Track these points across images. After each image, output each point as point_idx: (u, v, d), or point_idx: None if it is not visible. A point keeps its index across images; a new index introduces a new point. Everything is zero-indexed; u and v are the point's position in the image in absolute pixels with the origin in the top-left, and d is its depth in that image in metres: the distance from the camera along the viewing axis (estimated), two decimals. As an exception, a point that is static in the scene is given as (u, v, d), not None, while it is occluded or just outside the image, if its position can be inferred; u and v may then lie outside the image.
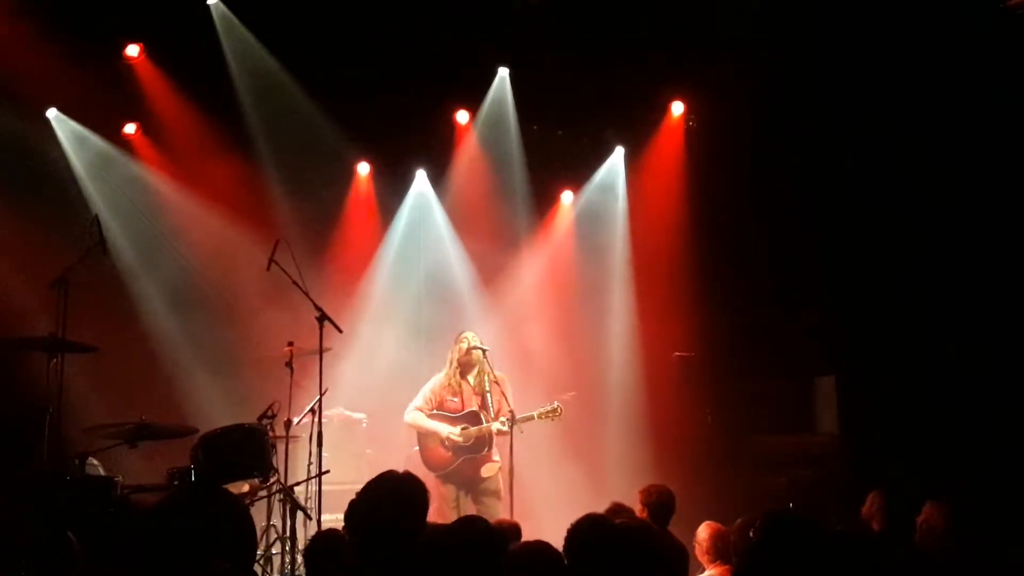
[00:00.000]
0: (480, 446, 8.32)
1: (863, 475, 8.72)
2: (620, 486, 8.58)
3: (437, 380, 8.59)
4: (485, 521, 3.80)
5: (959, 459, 8.51)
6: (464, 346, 8.46)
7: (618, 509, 6.02)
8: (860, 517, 6.49)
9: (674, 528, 6.47)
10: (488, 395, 8.39)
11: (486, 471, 8.39)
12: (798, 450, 9.85)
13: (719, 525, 6.28)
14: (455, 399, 8.47)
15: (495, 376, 8.32)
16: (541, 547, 3.86)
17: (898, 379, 9.35)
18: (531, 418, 8.17)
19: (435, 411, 8.46)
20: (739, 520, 5.89)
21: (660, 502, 6.38)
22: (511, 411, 8.04)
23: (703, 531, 6.28)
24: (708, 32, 9.09)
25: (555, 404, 8.26)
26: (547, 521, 7.07)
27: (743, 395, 10.17)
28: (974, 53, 8.76)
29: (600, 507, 6.10)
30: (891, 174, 9.44)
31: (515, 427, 7.95)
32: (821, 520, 5.95)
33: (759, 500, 8.64)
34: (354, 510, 3.92)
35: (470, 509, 8.32)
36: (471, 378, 8.52)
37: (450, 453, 8.34)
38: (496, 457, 8.41)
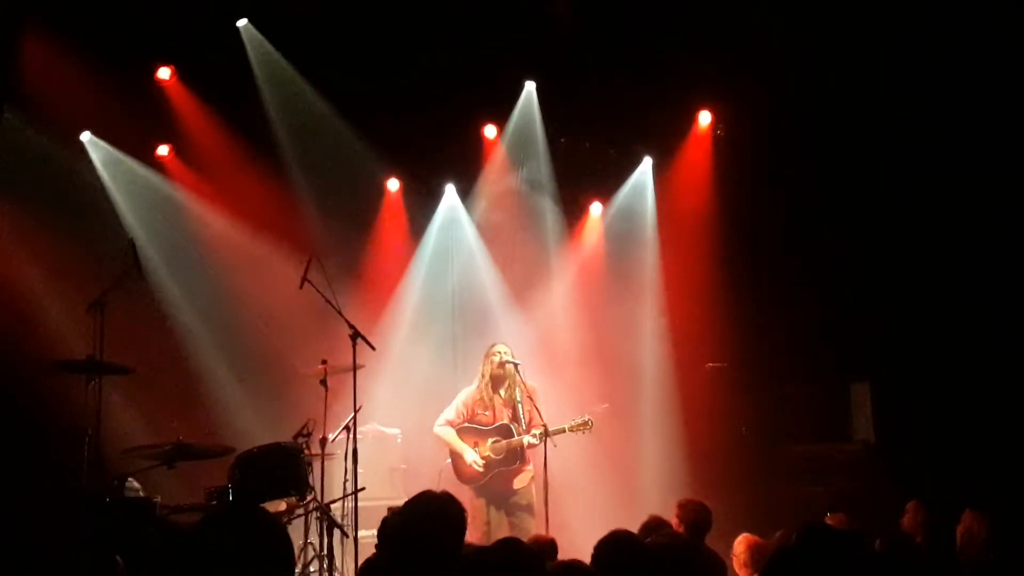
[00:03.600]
0: (512, 459, 8.34)
1: (899, 482, 8.65)
2: (655, 497, 8.58)
3: (468, 392, 8.62)
4: (522, 543, 3.81)
5: (997, 465, 8.43)
6: (496, 359, 8.47)
7: (655, 523, 6.01)
8: (900, 528, 6.43)
9: (711, 539, 6.44)
10: (519, 406, 8.38)
11: (518, 482, 8.41)
12: (834, 458, 9.78)
13: (756, 537, 6.26)
14: (486, 412, 8.50)
15: (526, 387, 8.33)
16: (578, 566, 3.86)
17: (933, 384, 9.27)
18: (562, 431, 8.17)
19: (466, 424, 8.49)
20: (778, 533, 5.88)
21: (696, 518, 6.37)
22: (544, 425, 8.05)
23: (740, 544, 6.26)
24: (735, 41, 9.08)
25: (586, 417, 8.25)
26: (583, 535, 7.03)
27: (777, 404, 10.11)
28: (1005, 60, 8.70)
29: (636, 519, 6.11)
30: (923, 178, 9.38)
31: (548, 440, 7.96)
32: (860, 531, 5.94)
33: (795, 510, 8.59)
34: (392, 529, 3.93)
35: (503, 522, 8.36)
36: (502, 391, 8.53)
37: (482, 468, 8.37)
38: (529, 467, 8.41)
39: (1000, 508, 6.34)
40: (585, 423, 8.21)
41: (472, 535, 8.09)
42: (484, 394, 8.53)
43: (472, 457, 8.34)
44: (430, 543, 3.80)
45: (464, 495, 8.26)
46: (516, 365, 8.35)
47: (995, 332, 9.04)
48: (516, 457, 8.34)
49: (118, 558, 4.61)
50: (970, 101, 8.95)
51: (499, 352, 8.49)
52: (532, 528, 8.06)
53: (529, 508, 8.34)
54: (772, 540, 6.04)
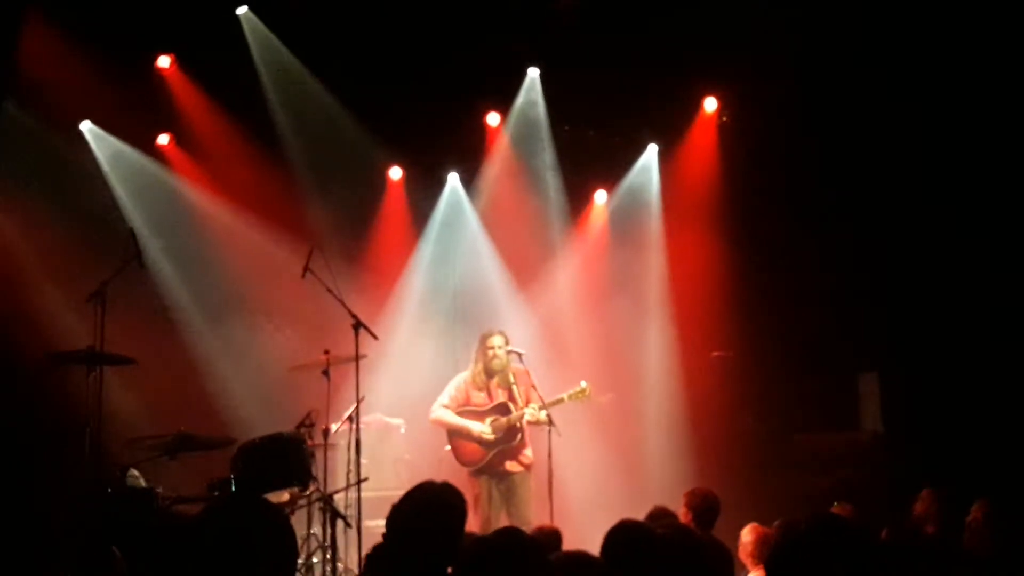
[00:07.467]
0: (511, 436, 8.34)
1: (907, 472, 8.60)
2: (661, 487, 8.53)
3: (463, 377, 8.65)
4: (523, 533, 3.76)
5: (1005, 455, 8.37)
6: (490, 352, 8.48)
7: (660, 513, 5.97)
8: (911, 517, 6.37)
9: (717, 530, 6.41)
10: (514, 387, 8.38)
11: (520, 463, 8.39)
12: (841, 448, 9.74)
13: (763, 527, 6.21)
14: (481, 394, 8.53)
15: (517, 373, 8.34)
16: (582, 558, 3.81)
17: (941, 374, 9.22)
18: (561, 400, 8.19)
19: (462, 407, 8.50)
20: (777, 522, 5.84)
21: (705, 506, 6.35)
22: (540, 397, 8.06)
23: (747, 534, 6.22)
24: (740, 27, 8.99)
25: (583, 384, 8.25)
26: (588, 524, 7.00)
27: (784, 394, 10.02)
28: (1012, 46, 8.62)
29: (641, 509, 6.06)
30: (930, 166, 9.30)
31: (552, 428, 7.91)
32: (868, 521, 5.89)
33: (802, 500, 8.54)
34: (393, 521, 3.90)
35: (502, 505, 8.37)
36: (497, 376, 8.54)
37: (482, 448, 8.35)
38: (528, 452, 8.39)
39: (1008, 498, 6.28)
40: (583, 391, 8.22)
41: (472, 521, 8.11)
42: (478, 378, 8.56)
43: (480, 428, 8.32)
44: (431, 534, 3.77)
45: (463, 479, 8.25)
46: (520, 355, 8.30)
47: (1003, 321, 8.97)
48: (515, 434, 8.33)
49: (115, 549, 4.58)
50: (981, 89, 8.85)
51: (494, 346, 8.48)
52: (532, 513, 8.05)
53: (528, 482, 8.33)
54: (772, 529, 5.99)
